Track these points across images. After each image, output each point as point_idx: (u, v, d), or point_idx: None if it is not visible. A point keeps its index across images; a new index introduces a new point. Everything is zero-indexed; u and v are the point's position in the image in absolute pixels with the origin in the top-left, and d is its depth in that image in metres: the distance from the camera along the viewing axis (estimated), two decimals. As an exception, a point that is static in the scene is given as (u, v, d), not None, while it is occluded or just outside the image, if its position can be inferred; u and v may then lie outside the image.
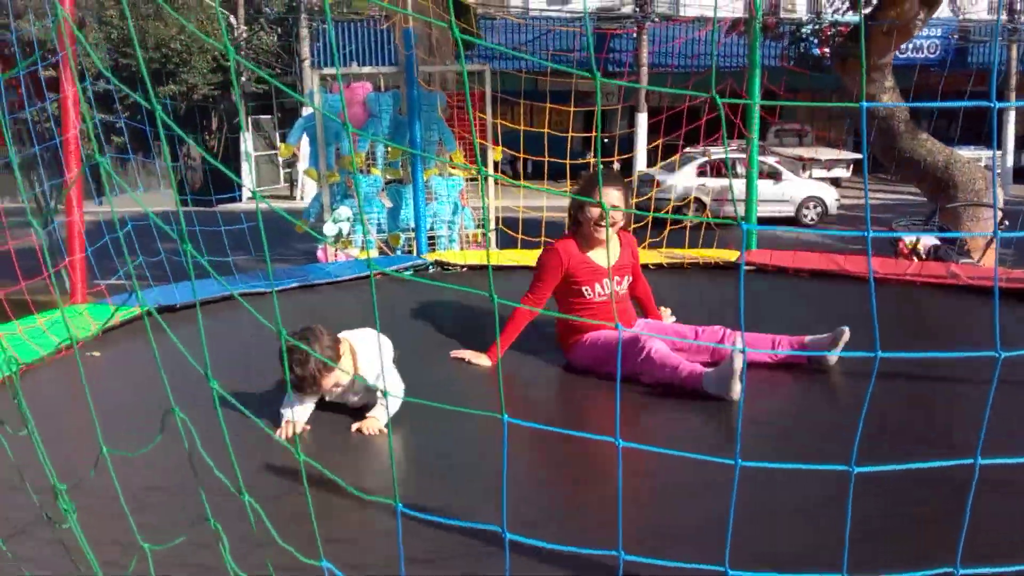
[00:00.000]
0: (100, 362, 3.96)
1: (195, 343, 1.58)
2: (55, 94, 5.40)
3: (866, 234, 1.28)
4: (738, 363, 3.09)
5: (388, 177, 7.74)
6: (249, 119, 25.83)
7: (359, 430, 2.89)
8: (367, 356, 2.97)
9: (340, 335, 2.97)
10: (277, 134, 26.67)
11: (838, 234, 7.14)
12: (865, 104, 1.21)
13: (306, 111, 22.81)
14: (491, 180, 7.73)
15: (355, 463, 2.73)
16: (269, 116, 27.20)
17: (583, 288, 3.69)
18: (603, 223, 3.61)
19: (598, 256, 3.72)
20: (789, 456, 2.60)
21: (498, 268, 6.01)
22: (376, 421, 2.92)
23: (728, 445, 2.73)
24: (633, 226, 6.07)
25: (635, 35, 22.28)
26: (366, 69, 8.55)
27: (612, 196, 3.61)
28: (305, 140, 7.81)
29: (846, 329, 3.39)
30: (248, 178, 24.30)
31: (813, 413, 3.12)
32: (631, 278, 3.84)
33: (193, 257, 1.40)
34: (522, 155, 7.32)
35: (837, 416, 3.08)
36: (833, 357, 3.43)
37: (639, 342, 3.41)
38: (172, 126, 1.48)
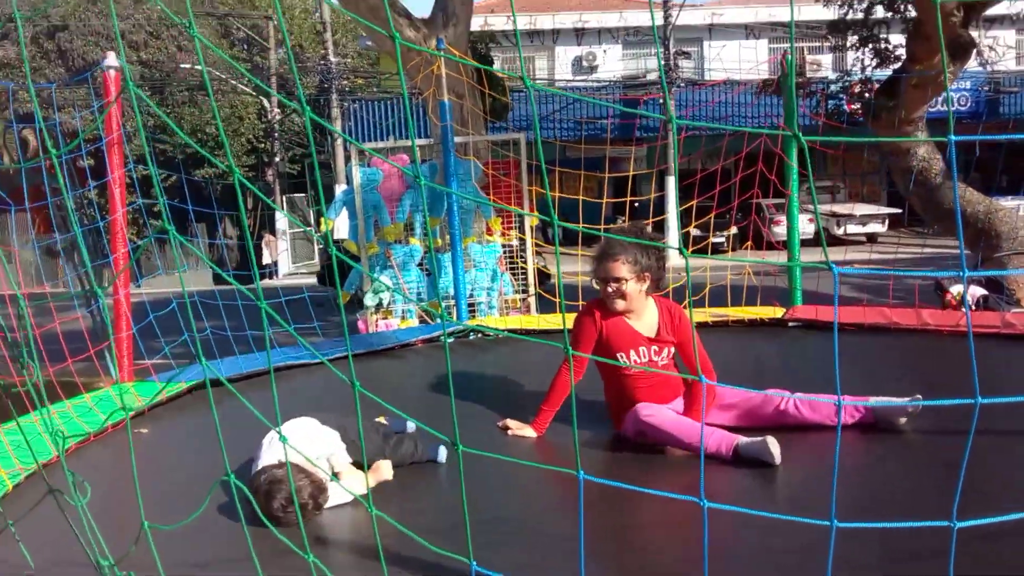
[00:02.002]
0: (149, 438, 3.95)
1: (247, 413, 1.55)
2: (95, 180, 5.53)
3: (962, 274, 1.23)
4: (773, 448, 3.02)
5: (427, 246, 7.79)
6: (283, 197, 26.31)
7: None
8: (315, 452, 2.92)
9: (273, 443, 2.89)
10: (311, 211, 27.11)
11: (923, 274, 6.99)
12: (953, 138, 1.17)
13: (339, 187, 23.21)
14: (530, 245, 7.75)
15: (418, 520, 2.67)
16: (303, 194, 27.71)
17: (619, 355, 3.51)
18: (610, 297, 3.49)
19: (634, 322, 3.57)
20: (883, 513, 2.52)
21: (538, 332, 5.98)
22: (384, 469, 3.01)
23: (815, 504, 2.62)
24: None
25: (662, 101, 22.50)
26: (404, 142, 8.68)
27: (614, 270, 3.46)
28: (344, 213, 7.90)
29: (920, 400, 3.27)
30: (286, 255, 24.64)
31: (889, 470, 3.01)
32: (672, 349, 3.59)
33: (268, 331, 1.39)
34: (556, 221, 7.31)
35: (912, 471, 2.97)
36: (904, 419, 3.30)
37: (648, 410, 3.33)
38: (249, 186, 1.48)
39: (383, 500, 2.89)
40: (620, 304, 3.50)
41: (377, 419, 3.54)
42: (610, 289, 3.48)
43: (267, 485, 2.68)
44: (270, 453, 2.86)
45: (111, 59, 4.73)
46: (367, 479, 2.86)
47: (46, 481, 1.67)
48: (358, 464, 3.02)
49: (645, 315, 3.57)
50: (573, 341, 3.65)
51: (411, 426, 3.43)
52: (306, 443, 2.89)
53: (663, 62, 22.42)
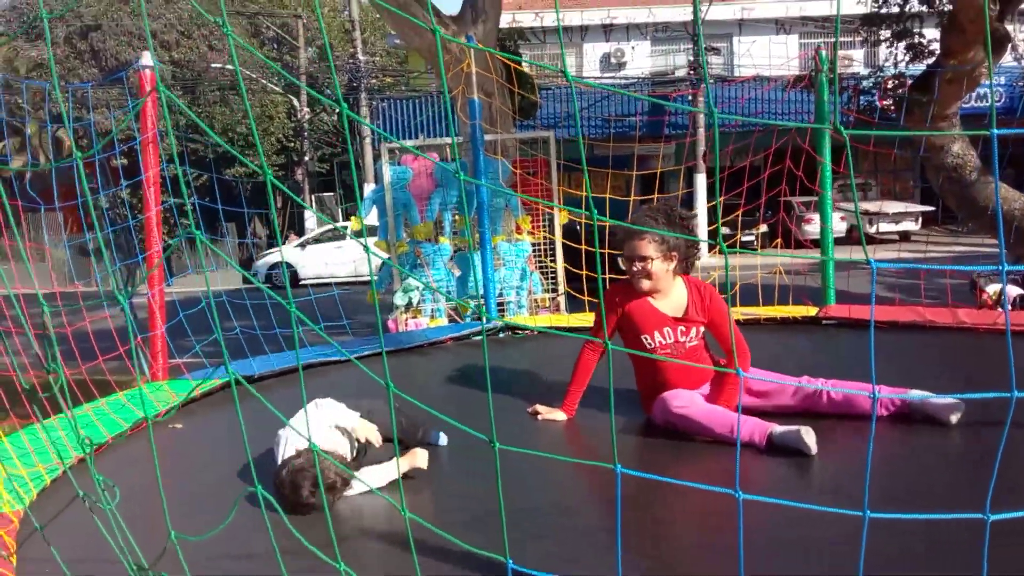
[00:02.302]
0: (183, 433, 3.99)
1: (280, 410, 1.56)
2: (127, 180, 5.58)
3: (1000, 269, 1.21)
4: (808, 438, 2.98)
5: (455, 245, 7.80)
6: (312, 196, 26.47)
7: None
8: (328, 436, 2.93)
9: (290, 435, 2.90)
10: (339, 210, 27.26)
11: (961, 269, 6.93)
12: (996, 131, 1.15)
13: (368, 186, 23.32)
14: (559, 244, 7.73)
15: (449, 515, 2.67)
16: (331, 193, 27.89)
17: (643, 336, 3.48)
18: (636, 276, 3.45)
19: (660, 302, 3.51)
20: (918, 504, 2.50)
21: (569, 330, 5.97)
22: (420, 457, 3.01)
23: (849, 494, 2.60)
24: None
25: (691, 97, 22.38)
26: (434, 141, 8.70)
27: (640, 248, 3.43)
28: (374, 212, 7.94)
29: (961, 405, 3.22)
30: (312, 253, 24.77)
31: (924, 462, 2.97)
32: (702, 329, 3.53)
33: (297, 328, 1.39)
34: (583, 219, 7.29)
35: (947, 463, 2.94)
36: (955, 417, 3.23)
37: (678, 401, 3.30)
38: (281, 187, 1.48)
39: (411, 491, 2.89)
40: (646, 284, 3.45)
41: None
42: (636, 268, 3.44)
43: (291, 476, 2.69)
44: (288, 445, 2.87)
45: (146, 58, 4.77)
46: (399, 465, 2.87)
47: (75, 485, 1.69)
48: (388, 439, 3.05)
49: (672, 295, 3.51)
50: (596, 317, 3.66)
51: (443, 439, 3.44)
52: (324, 424, 2.93)
53: (700, 55, 22.31)
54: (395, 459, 2.89)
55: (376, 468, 2.93)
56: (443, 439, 3.40)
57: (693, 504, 2.63)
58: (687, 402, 3.32)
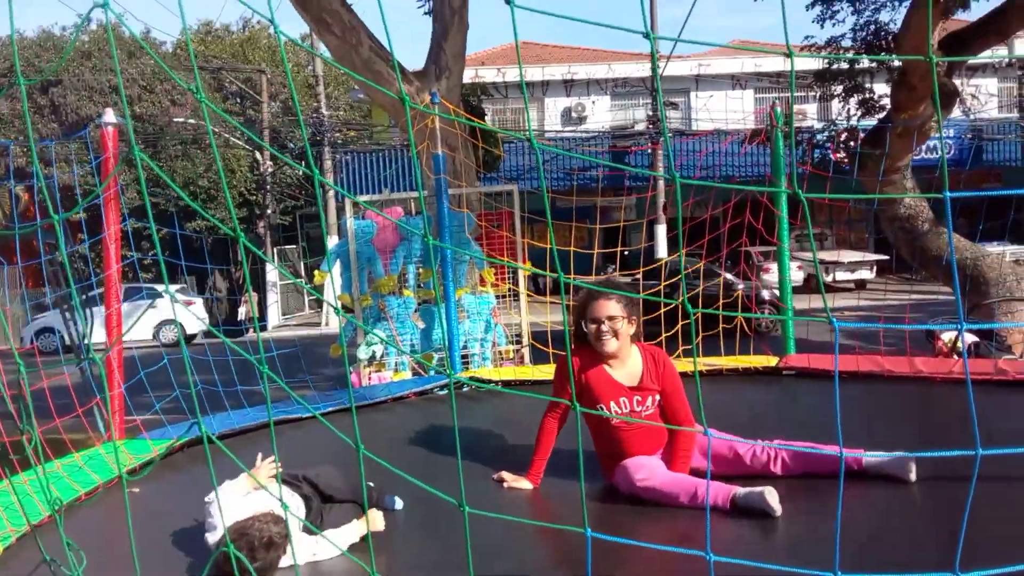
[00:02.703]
0: (140, 497, 3.90)
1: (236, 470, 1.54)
2: (84, 236, 5.54)
3: (959, 327, 1.24)
4: (771, 499, 3.00)
5: (420, 298, 7.80)
6: (274, 249, 26.34)
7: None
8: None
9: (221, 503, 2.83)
10: (302, 264, 27.15)
11: (925, 328, 7.05)
12: (948, 194, 1.19)
13: (332, 240, 23.28)
14: (523, 296, 7.77)
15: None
16: (294, 246, 27.78)
17: (599, 406, 3.43)
18: (604, 336, 3.42)
19: (616, 371, 3.49)
20: (886, 563, 2.51)
21: (533, 383, 5.97)
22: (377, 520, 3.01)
23: (816, 554, 2.60)
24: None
25: (651, 151, 22.76)
26: (398, 195, 8.75)
27: (608, 308, 3.41)
28: (338, 266, 7.93)
29: (912, 465, 3.27)
30: (275, 307, 24.64)
31: (889, 519, 2.99)
32: (658, 398, 3.49)
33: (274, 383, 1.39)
34: (546, 272, 7.34)
35: (913, 520, 2.96)
36: (912, 474, 3.26)
37: (641, 474, 3.29)
38: (252, 247, 1.48)
39: (376, 553, 2.85)
40: (613, 345, 3.42)
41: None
42: (604, 328, 3.42)
43: (240, 538, 2.62)
44: (226, 514, 2.81)
45: (109, 115, 4.77)
46: (359, 527, 2.85)
47: (41, 550, 1.65)
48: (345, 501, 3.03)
49: (629, 362, 3.50)
50: (555, 388, 3.65)
51: (399, 503, 3.41)
52: (250, 500, 2.88)
53: (659, 112, 22.73)
54: (352, 523, 2.86)
55: (333, 532, 2.89)
56: (399, 503, 3.38)
57: (661, 568, 2.63)
58: (649, 473, 3.31)
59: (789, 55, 1.46)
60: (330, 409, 5.27)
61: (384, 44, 9.40)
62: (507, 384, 5.87)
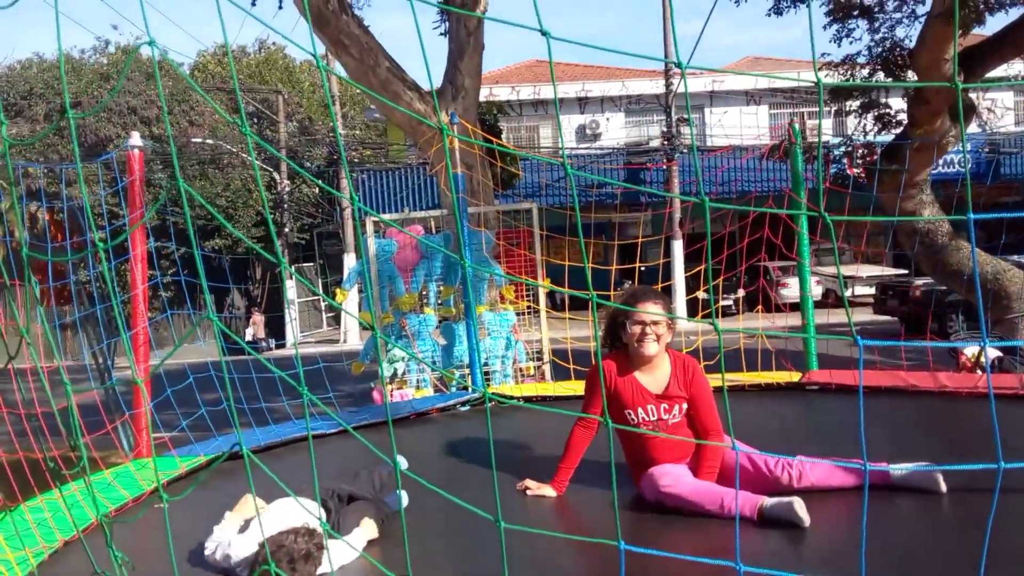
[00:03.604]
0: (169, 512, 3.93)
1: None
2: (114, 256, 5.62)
3: (983, 343, 1.27)
4: (800, 509, 3.01)
5: (441, 315, 7.84)
6: (292, 267, 26.50)
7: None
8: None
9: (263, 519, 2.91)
10: (320, 281, 27.30)
11: (948, 346, 7.04)
12: (972, 216, 1.22)
13: (348, 257, 23.38)
14: (543, 313, 7.80)
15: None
16: (311, 264, 27.94)
17: (627, 412, 3.47)
18: (646, 340, 3.43)
19: (645, 378, 3.52)
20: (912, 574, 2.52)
21: (555, 399, 5.99)
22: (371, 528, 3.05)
23: (844, 566, 2.61)
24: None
25: (666, 168, 22.80)
26: (418, 214, 8.81)
27: (653, 310, 3.44)
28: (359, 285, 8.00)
29: (940, 476, 3.28)
30: (291, 324, 24.75)
31: (914, 532, 2.99)
32: (685, 406, 3.51)
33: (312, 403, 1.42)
34: (557, 289, 7.37)
35: (937, 532, 2.96)
36: (943, 483, 3.27)
37: (665, 480, 3.31)
38: (290, 270, 1.53)
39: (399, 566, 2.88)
40: (654, 348, 3.44)
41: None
42: (648, 331, 3.43)
43: (280, 551, 2.67)
44: (249, 536, 2.87)
45: (135, 139, 4.85)
46: (368, 532, 2.92)
47: (92, 561, 1.69)
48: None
49: (658, 370, 3.52)
50: (586, 398, 3.67)
51: (405, 499, 3.48)
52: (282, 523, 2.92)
53: (671, 135, 22.75)
54: (357, 530, 2.94)
55: (349, 538, 2.95)
56: (405, 499, 3.46)
57: None
58: (674, 480, 3.32)
59: (817, 83, 1.49)
60: (353, 425, 5.30)
61: (400, 65, 9.50)
62: (528, 400, 5.89)
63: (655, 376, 3.52)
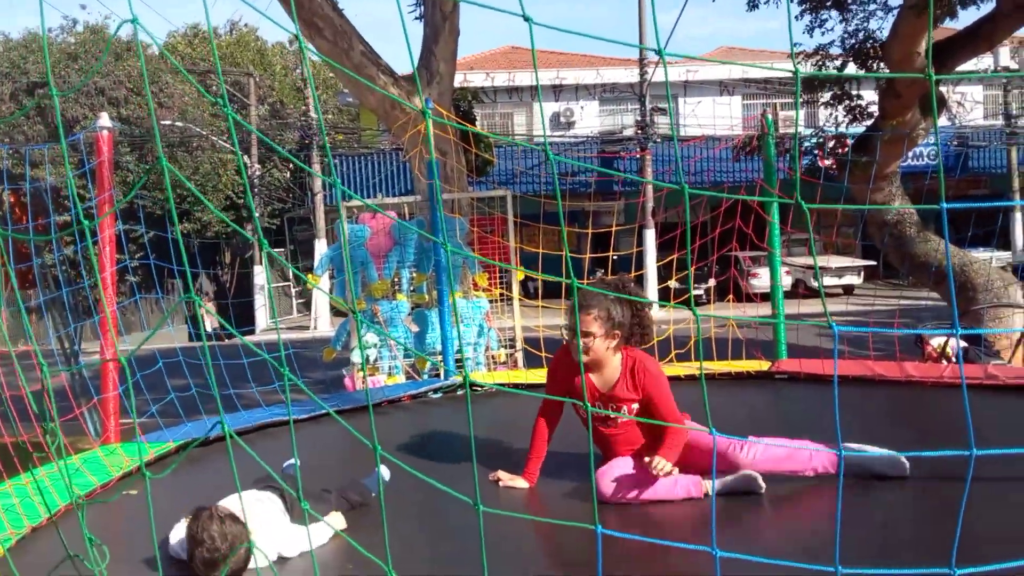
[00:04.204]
0: (137, 500, 3.90)
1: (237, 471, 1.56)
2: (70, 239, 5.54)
3: (955, 332, 1.28)
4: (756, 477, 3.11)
5: (413, 302, 7.82)
6: (263, 252, 26.28)
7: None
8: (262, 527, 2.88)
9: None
10: (290, 268, 27.11)
11: (924, 332, 7.13)
12: (945, 205, 1.23)
13: (320, 242, 23.25)
14: (516, 301, 7.80)
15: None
16: (282, 249, 27.74)
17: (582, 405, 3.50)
18: (571, 347, 3.44)
19: (594, 376, 3.51)
20: (884, 560, 2.56)
21: (527, 386, 5.99)
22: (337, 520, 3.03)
23: (813, 551, 2.64)
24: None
25: (639, 157, 22.87)
26: (391, 200, 8.77)
27: (584, 324, 3.38)
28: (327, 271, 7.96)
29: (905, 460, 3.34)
30: (263, 310, 24.59)
31: (885, 518, 3.03)
32: (636, 406, 3.46)
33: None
34: (540, 276, 7.36)
35: (908, 519, 3.01)
36: (907, 469, 3.33)
37: (605, 481, 3.34)
38: (269, 248, 1.51)
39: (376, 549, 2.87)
40: (582, 357, 3.36)
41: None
42: (574, 342, 3.39)
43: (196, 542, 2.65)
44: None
45: (104, 119, 4.78)
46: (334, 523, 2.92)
47: (65, 546, 1.66)
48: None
49: (606, 371, 3.50)
50: (546, 389, 3.75)
51: (386, 473, 3.52)
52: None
53: (644, 124, 22.81)
54: (327, 519, 2.93)
55: (313, 526, 2.93)
56: (386, 474, 3.52)
57: (667, 564, 2.65)
58: (623, 488, 3.35)
59: (795, 73, 1.50)
60: (319, 413, 5.28)
61: (374, 49, 9.43)
62: (501, 387, 5.89)
63: (603, 376, 3.52)
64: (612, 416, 3.48)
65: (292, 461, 3.42)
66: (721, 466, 3.36)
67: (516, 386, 5.96)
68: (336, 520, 3.10)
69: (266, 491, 3.05)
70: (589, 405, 3.44)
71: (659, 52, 1.43)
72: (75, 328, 8.16)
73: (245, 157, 26.31)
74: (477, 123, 21.91)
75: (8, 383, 4.38)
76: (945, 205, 1.58)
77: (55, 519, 3.02)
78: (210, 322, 25.01)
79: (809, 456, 3.36)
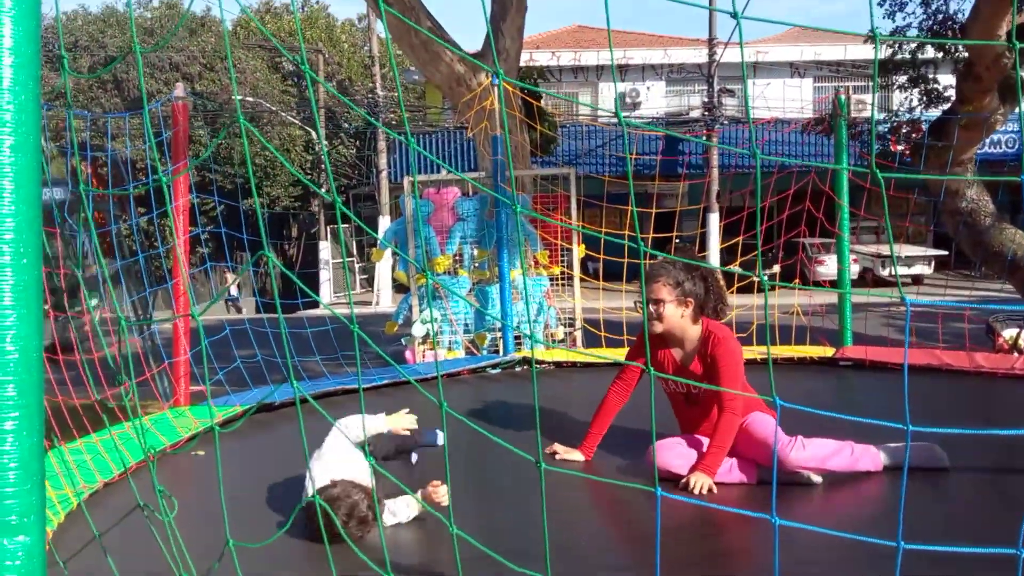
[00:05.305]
0: (206, 460, 4.03)
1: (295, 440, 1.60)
2: (144, 209, 5.69)
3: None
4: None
5: (475, 278, 7.88)
6: (328, 228, 26.66)
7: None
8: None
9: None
10: (354, 242, 27.46)
11: (1000, 308, 6.96)
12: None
13: (383, 219, 23.47)
14: (576, 280, 7.80)
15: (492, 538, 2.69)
16: (347, 225, 28.09)
17: (668, 383, 3.51)
18: (651, 319, 3.40)
19: (675, 349, 3.52)
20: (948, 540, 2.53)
21: (586, 365, 6.01)
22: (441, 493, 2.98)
23: (884, 526, 2.62)
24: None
25: (706, 138, 22.56)
26: (454, 175, 8.83)
27: (653, 291, 3.39)
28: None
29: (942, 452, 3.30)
30: (327, 284, 24.96)
31: (951, 502, 2.99)
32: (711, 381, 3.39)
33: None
34: (602, 256, 7.32)
35: (976, 504, 2.96)
36: (946, 461, 3.27)
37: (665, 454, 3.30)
38: (349, 214, 1.55)
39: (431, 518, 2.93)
40: (657, 327, 3.42)
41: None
42: (651, 310, 3.43)
43: (344, 501, 2.71)
44: (319, 472, 2.89)
45: (179, 90, 4.90)
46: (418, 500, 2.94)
47: (136, 495, 1.74)
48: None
49: (687, 344, 3.49)
50: (629, 353, 3.78)
51: (440, 438, 3.52)
52: (344, 463, 2.93)
53: (712, 105, 22.48)
54: (413, 494, 2.92)
55: (398, 501, 2.96)
56: (440, 438, 3.51)
57: (729, 533, 2.65)
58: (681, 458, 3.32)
59: (874, 37, 1.47)
60: (385, 383, 5.37)
61: (441, 24, 9.46)
62: (559, 366, 5.92)
63: (683, 348, 3.51)
64: (694, 392, 3.45)
65: (439, 432, 3.47)
66: (767, 460, 3.21)
67: (570, 366, 5.98)
68: (413, 508, 3.08)
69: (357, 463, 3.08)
70: (654, 371, 3.42)
71: (735, 15, 1.42)
72: (149, 294, 8.40)
73: (312, 133, 26.68)
74: (543, 101, 21.84)
75: (82, 347, 4.55)
76: None
77: (128, 473, 3.13)
78: (235, 290, 25.51)
79: (856, 457, 3.26)
